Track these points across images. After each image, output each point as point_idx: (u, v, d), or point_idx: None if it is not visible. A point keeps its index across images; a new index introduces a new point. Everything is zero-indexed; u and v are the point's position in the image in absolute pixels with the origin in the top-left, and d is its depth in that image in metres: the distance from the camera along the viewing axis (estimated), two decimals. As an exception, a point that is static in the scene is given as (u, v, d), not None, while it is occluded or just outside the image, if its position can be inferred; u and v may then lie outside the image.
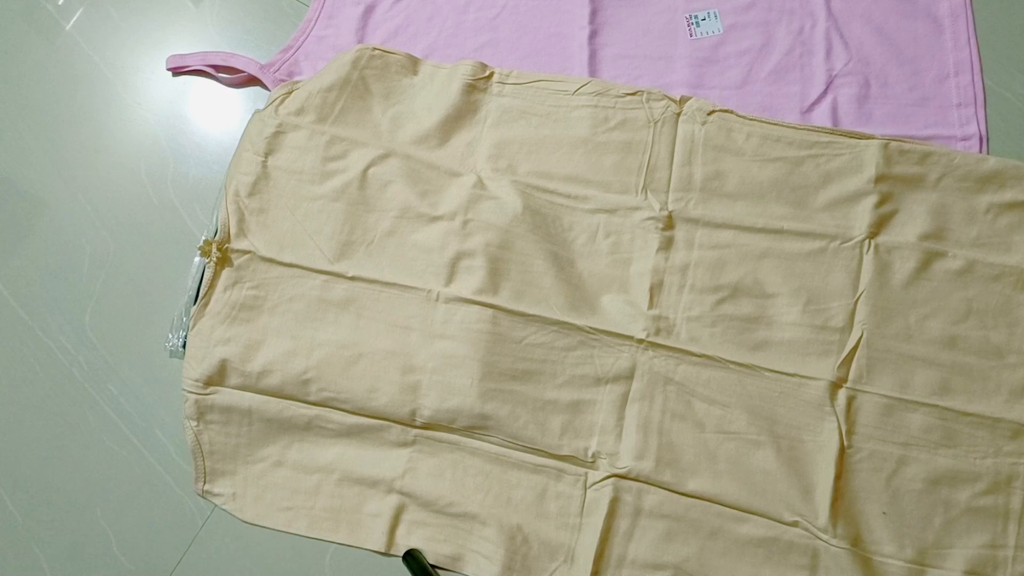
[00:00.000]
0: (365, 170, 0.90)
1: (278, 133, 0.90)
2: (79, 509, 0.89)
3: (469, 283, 0.85)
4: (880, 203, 0.86)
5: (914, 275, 0.84)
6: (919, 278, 0.84)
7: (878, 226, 0.85)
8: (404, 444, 0.84)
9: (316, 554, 0.85)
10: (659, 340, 0.84)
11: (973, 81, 0.93)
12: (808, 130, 0.89)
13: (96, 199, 0.99)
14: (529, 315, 0.84)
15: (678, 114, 0.91)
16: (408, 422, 0.84)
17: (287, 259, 0.88)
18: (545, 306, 0.85)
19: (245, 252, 0.88)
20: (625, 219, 0.88)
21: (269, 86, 0.99)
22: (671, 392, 0.83)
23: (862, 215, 0.86)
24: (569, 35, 0.99)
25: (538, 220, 0.88)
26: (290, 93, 0.93)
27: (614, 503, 0.80)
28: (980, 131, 0.91)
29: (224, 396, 0.85)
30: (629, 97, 0.92)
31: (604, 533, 0.80)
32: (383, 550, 0.83)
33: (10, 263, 0.97)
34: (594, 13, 0.99)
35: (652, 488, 0.80)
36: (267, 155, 0.90)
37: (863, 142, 0.88)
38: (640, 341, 0.84)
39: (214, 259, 0.87)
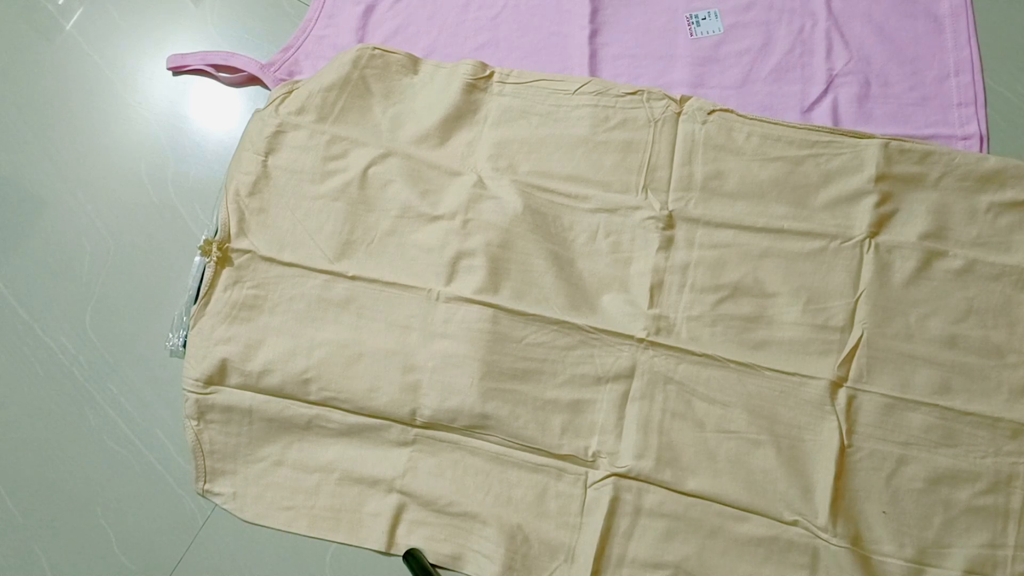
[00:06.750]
0: (365, 169, 0.90)
1: (278, 132, 0.90)
2: (79, 509, 0.89)
3: (469, 282, 0.85)
4: (880, 202, 0.86)
5: (914, 274, 0.84)
6: (919, 277, 0.84)
7: (878, 225, 0.85)
8: (404, 443, 0.84)
9: (316, 554, 0.85)
10: (659, 339, 0.84)
11: (973, 80, 0.93)
12: (808, 129, 0.89)
13: (96, 199, 0.99)
14: (529, 314, 0.84)
15: (678, 113, 0.91)
16: (408, 421, 0.84)
17: (287, 258, 0.88)
18: (545, 306, 0.85)
19: (245, 251, 0.88)
20: (625, 218, 0.88)
21: (269, 85, 0.99)
22: (671, 391, 0.83)
23: (862, 214, 0.86)
24: (569, 34, 0.99)
25: (538, 219, 0.88)
26: (290, 92, 0.93)
27: (614, 502, 0.80)
28: (980, 130, 0.91)
29: (224, 395, 0.85)
30: (629, 96, 0.92)
31: (604, 532, 0.80)
32: (383, 550, 0.83)
33: (10, 263, 0.97)
34: (594, 12, 0.99)
35: (652, 487, 0.80)
36: (267, 154, 0.90)
37: (863, 141, 0.88)
38: (640, 340, 0.84)
39: (214, 258, 0.87)
